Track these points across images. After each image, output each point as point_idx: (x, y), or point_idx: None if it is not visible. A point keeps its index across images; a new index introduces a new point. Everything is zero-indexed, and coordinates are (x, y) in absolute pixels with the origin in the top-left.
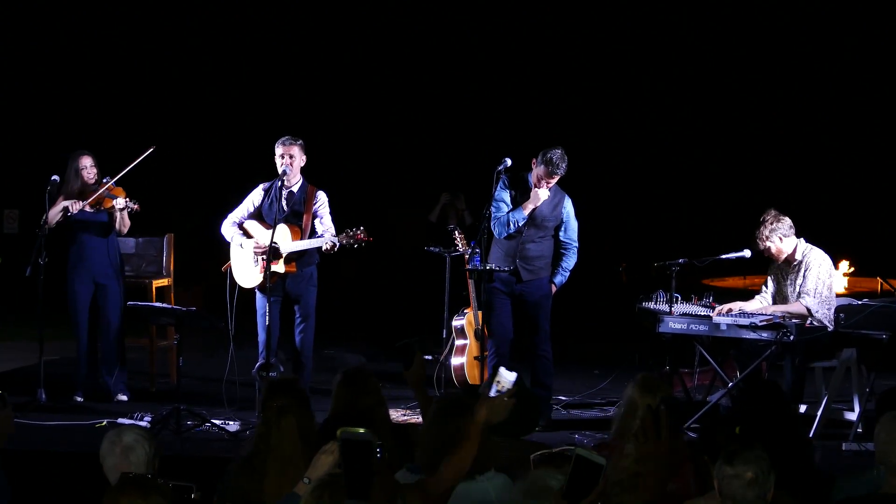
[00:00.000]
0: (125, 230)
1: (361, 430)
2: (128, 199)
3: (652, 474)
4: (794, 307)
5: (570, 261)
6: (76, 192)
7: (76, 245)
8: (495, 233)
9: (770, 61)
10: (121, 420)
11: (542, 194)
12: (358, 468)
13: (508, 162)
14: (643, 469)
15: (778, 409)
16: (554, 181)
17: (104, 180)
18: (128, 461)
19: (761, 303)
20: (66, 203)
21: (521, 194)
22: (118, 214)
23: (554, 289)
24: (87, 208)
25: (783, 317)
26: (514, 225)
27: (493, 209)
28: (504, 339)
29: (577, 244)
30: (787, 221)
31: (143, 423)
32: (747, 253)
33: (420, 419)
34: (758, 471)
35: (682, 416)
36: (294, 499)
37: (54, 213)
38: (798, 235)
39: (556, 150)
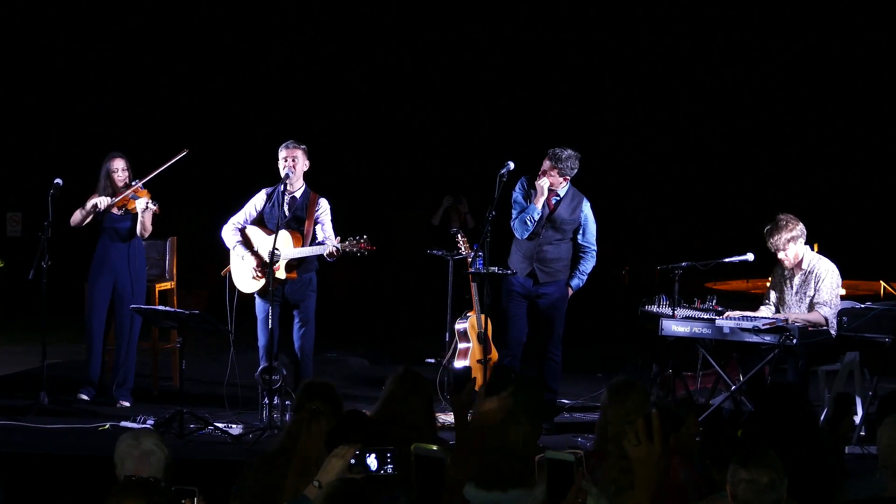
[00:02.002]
0: (146, 233)
1: (434, 447)
2: (149, 201)
3: (645, 479)
4: (811, 317)
5: (588, 264)
6: (108, 195)
7: (100, 248)
8: (517, 234)
9: (773, 65)
10: (124, 423)
11: (543, 184)
12: (429, 484)
13: (511, 165)
14: (637, 473)
15: (801, 412)
16: (557, 176)
17: (134, 183)
18: (147, 465)
19: (767, 313)
20: (95, 200)
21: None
22: (140, 216)
23: (570, 292)
24: (115, 210)
25: (785, 320)
26: (531, 221)
27: (512, 212)
28: (517, 342)
29: (595, 248)
30: (802, 227)
31: (146, 427)
32: (750, 256)
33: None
34: (773, 475)
35: (675, 422)
36: (305, 502)
37: (83, 213)
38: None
39: (568, 149)
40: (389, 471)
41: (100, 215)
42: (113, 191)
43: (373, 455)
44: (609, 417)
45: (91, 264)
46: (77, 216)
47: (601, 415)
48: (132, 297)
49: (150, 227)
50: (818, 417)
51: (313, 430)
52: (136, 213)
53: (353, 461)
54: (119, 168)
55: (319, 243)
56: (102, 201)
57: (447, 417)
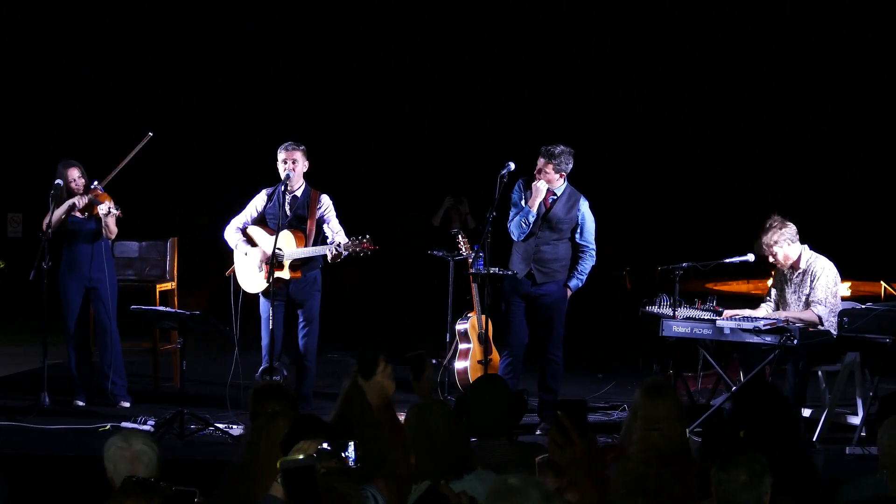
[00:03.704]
0: (112, 236)
1: (300, 457)
2: (112, 205)
3: (584, 478)
4: (805, 315)
5: (587, 264)
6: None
7: (68, 252)
8: (513, 236)
9: (774, 66)
10: (125, 424)
11: (541, 186)
12: (304, 494)
13: (512, 166)
14: (575, 476)
15: (777, 412)
16: (552, 173)
17: (93, 186)
18: (140, 465)
19: (768, 310)
20: (71, 201)
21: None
22: (104, 220)
23: (569, 292)
24: (78, 214)
25: (786, 320)
26: (526, 224)
27: (510, 213)
28: (518, 343)
29: (594, 247)
30: (793, 227)
31: (146, 427)
32: (751, 257)
33: None
34: (751, 474)
35: (584, 413)
36: (271, 500)
37: (59, 215)
38: (802, 241)
39: (561, 145)
40: (351, 464)
41: (63, 221)
42: (69, 197)
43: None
44: (639, 417)
45: (59, 268)
46: (54, 219)
47: (631, 413)
48: (104, 296)
49: (114, 230)
50: (795, 415)
51: (272, 433)
52: (100, 217)
53: (315, 455)
54: (75, 177)
55: (329, 242)
56: (81, 200)
57: None
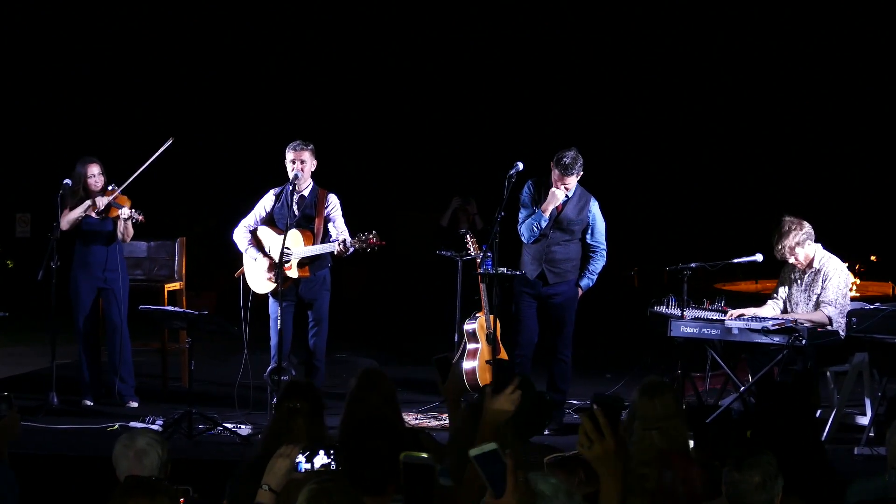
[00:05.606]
0: (128, 239)
1: (424, 455)
2: (133, 210)
3: (609, 476)
4: (815, 316)
5: (598, 264)
6: (81, 200)
7: (80, 251)
8: (523, 238)
9: (781, 65)
10: (133, 424)
11: (558, 194)
12: (419, 492)
13: (520, 166)
14: (601, 472)
15: (797, 410)
16: (570, 181)
17: (110, 187)
18: (141, 465)
19: (774, 309)
20: (89, 202)
21: (545, 199)
22: (121, 223)
23: (580, 292)
24: (94, 215)
25: (794, 321)
26: (538, 228)
27: (519, 215)
28: (528, 342)
29: (604, 247)
30: (808, 226)
31: (155, 427)
32: (759, 257)
33: (432, 423)
34: (765, 475)
35: (619, 411)
36: None
37: (73, 218)
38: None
39: (570, 152)
40: (332, 468)
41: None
42: (86, 195)
43: (321, 452)
44: (637, 417)
45: (71, 268)
46: (71, 216)
47: (629, 413)
48: (118, 297)
49: (132, 232)
50: (813, 415)
51: (292, 430)
52: (117, 219)
53: (299, 459)
54: (95, 173)
55: (332, 241)
56: (101, 201)
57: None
